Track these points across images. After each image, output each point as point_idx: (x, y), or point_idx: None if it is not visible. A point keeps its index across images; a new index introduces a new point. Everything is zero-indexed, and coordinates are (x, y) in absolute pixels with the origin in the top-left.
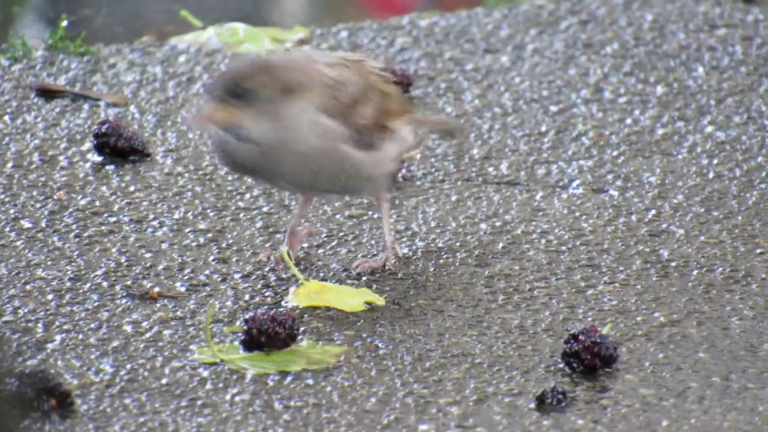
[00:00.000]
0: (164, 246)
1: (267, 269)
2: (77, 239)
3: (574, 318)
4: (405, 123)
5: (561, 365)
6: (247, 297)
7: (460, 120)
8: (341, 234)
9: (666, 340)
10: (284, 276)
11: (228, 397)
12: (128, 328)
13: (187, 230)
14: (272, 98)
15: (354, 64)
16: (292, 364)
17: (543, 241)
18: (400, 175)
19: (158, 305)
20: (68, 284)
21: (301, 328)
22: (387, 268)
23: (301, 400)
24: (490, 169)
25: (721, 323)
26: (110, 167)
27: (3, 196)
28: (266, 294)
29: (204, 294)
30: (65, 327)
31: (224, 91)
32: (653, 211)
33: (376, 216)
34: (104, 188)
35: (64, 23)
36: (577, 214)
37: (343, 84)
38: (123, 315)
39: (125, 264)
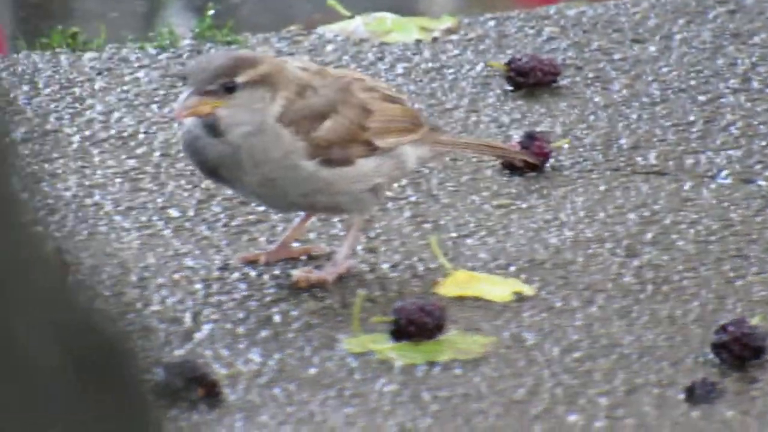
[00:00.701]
0: (312, 236)
1: (416, 258)
2: (225, 228)
3: (723, 309)
4: (409, 142)
5: (710, 356)
6: (395, 287)
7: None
8: (489, 224)
9: None
10: (432, 266)
11: (376, 387)
12: (277, 318)
13: (335, 219)
14: (256, 97)
15: (335, 76)
16: (440, 354)
17: (692, 231)
18: (548, 164)
19: (307, 295)
20: (216, 273)
21: (449, 318)
22: (328, 282)
23: (450, 390)
24: (639, 158)
25: None
26: None
27: (151, 185)
28: (414, 284)
29: (353, 284)
30: (213, 317)
31: (209, 83)
32: None
33: (521, 205)
34: None
35: (211, 12)
36: (726, 204)
37: (312, 90)
38: (271, 305)
39: None
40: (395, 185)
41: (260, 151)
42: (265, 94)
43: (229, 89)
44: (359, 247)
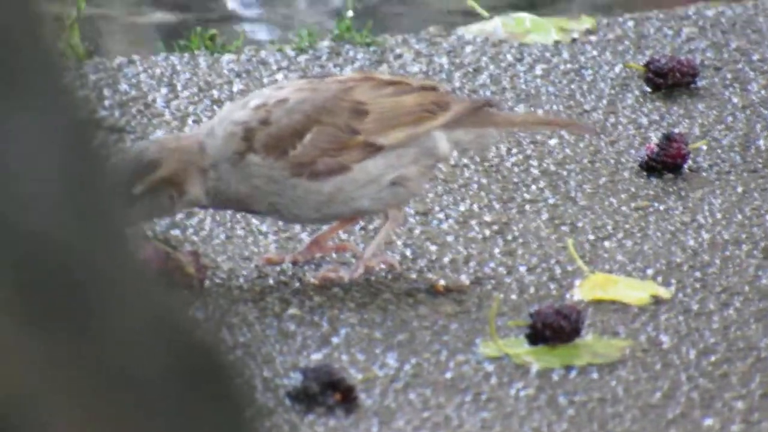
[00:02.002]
0: (449, 239)
1: (553, 261)
2: (362, 232)
3: None
4: (432, 129)
5: None
6: (532, 290)
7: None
8: (627, 226)
9: None
10: (569, 269)
11: (512, 392)
12: (414, 322)
13: (473, 222)
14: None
15: (324, 84)
16: (576, 358)
17: None
18: (685, 166)
19: (443, 298)
20: (354, 276)
21: (586, 322)
22: (347, 280)
23: (586, 394)
24: None
25: None
26: None
27: None
28: (551, 287)
29: (489, 287)
30: (351, 321)
31: None
32: None
33: (659, 207)
34: None
35: (350, 13)
36: None
37: (284, 112)
38: (408, 309)
39: (410, 257)
40: (441, 168)
41: (241, 185)
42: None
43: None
44: (496, 251)
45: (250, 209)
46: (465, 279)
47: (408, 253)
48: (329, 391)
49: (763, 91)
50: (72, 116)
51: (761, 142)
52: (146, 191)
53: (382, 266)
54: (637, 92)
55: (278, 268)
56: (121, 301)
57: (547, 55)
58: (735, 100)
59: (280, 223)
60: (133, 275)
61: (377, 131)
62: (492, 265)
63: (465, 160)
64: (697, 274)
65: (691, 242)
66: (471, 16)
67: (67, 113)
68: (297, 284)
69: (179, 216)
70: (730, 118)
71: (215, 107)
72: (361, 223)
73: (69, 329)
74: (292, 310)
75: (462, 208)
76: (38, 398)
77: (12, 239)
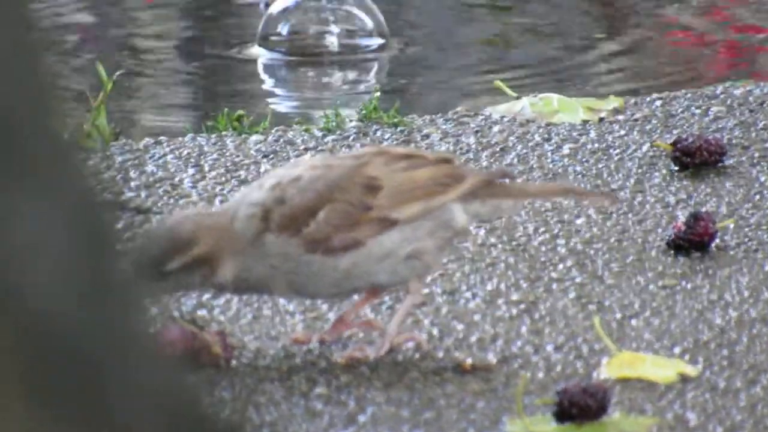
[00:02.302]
0: (477, 317)
1: (580, 340)
2: (389, 310)
3: None
4: (448, 201)
5: None
6: (558, 368)
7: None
8: (654, 304)
9: None
10: (596, 347)
11: None
12: (441, 401)
13: (500, 301)
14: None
15: (337, 160)
16: None
17: None
18: (713, 244)
19: (470, 377)
20: (380, 354)
21: (613, 400)
22: (372, 358)
23: None
24: None
25: None
26: None
27: None
28: (578, 365)
29: (516, 366)
30: (377, 399)
31: None
32: None
33: (686, 286)
34: None
35: (377, 93)
36: None
37: (296, 191)
38: (435, 387)
39: (437, 335)
40: (469, 247)
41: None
42: (204, 271)
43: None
44: (523, 329)
45: (270, 292)
46: (492, 357)
47: (435, 331)
48: None
49: None
50: (80, 197)
51: None
52: (180, 268)
53: (410, 344)
54: (664, 171)
55: (305, 348)
56: (131, 381)
57: (575, 134)
58: (762, 178)
59: (307, 302)
60: (144, 355)
61: (391, 206)
62: (519, 343)
63: (492, 239)
64: (725, 352)
65: (719, 320)
66: (499, 96)
67: (75, 195)
68: (324, 363)
69: (206, 296)
70: (757, 197)
71: (242, 188)
72: (388, 301)
73: (77, 410)
74: (319, 389)
75: (489, 287)
76: None
77: (21, 320)
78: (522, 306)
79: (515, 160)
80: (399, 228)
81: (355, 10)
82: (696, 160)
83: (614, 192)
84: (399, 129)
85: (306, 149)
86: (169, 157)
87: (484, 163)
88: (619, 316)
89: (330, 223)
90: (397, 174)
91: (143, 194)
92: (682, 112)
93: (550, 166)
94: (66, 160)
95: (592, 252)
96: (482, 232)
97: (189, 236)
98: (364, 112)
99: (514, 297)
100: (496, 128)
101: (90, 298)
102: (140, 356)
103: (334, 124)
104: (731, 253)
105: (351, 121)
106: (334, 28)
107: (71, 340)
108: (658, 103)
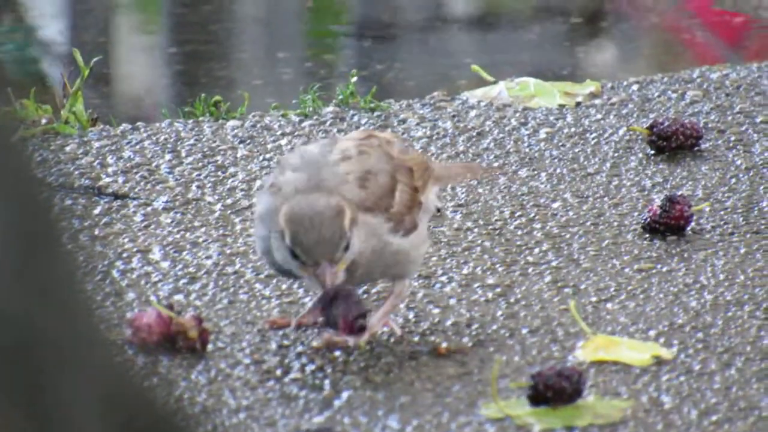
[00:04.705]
0: (452, 302)
1: (555, 323)
2: (365, 295)
3: None
4: (430, 190)
5: None
6: (534, 352)
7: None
8: (629, 288)
9: None
10: (572, 330)
11: None
12: (416, 384)
13: (476, 285)
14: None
15: (375, 148)
16: (578, 419)
17: None
18: (688, 228)
19: (446, 361)
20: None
21: (588, 383)
22: (352, 345)
23: None
24: None
25: None
26: None
27: None
28: (554, 348)
29: (491, 349)
30: (353, 383)
31: (336, 253)
32: None
33: (662, 269)
34: None
35: (354, 79)
36: None
37: (373, 174)
38: (411, 371)
39: (413, 320)
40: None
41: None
42: (355, 230)
43: (347, 247)
44: (499, 313)
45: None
46: (467, 341)
47: (411, 316)
48: None
49: (766, 153)
50: (22, 185)
51: (764, 204)
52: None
53: (385, 329)
54: (640, 155)
55: (281, 332)
56: (76, 374)
57: (552, 118)
58: (738, 162)
59: (283, 286)
60: (90, 348)
61: (421, 189)
62: (494, 327)
63: (468, 223)
64: (699, 334)
65: (694, 303)
66: (476, 81)
67: (16, 182)
68: (299, 348)
69: (183, 280)
70: (733, 180)
71: (219, 173)
72: (364, 287)
73: (17, 403)
74: (294, 374)
75: (465, 271)
76: None
77: None
78: (498, 290)
79: (492, 144)
80: (422, 212)
81: None
82: (672, 143)
83: (591, 176)
84: (376, 114)
85: (283, 134)
86: (146, 142)
87: (461, 148)
88: (594, 299)
89: (403, 201)
90: (410, 159)
91: (120, 179)
92: (659, 96)
93: (527, 150)
94: (6, 151)
95: (567, 236)
96: (459, 216)
97: (336, 208)
98: (341, 96)
99: (490, 281)
100: (473, 113)
101: (36, 288)
102: (86, 348)
103: (311, 109)
104: (707, 236)
105: (328, 106)
106: None
107: (15, 331)
108: (635, 87)
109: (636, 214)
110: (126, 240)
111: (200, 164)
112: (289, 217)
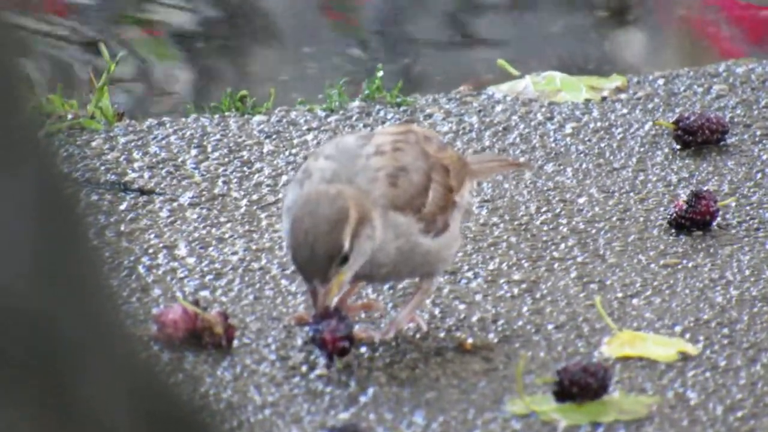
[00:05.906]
0: (478, 297)
1: (581, 319)
2: (391, 290)
3: None
4: (465, 188)
5: None
6: (559, 348)
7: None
8: (655, 283)
9: None
10: (597, 326)
11: None
12: (442, 381)
13: (501, 281)
14: (363, 240)
15: (411, 145)
16: (603, 415)
17: None
18: (714, 223)
19: (471, 357)
20: (381, 336)
21: (613, 379)
22: (377, 341)
23: None
24: None
25: None
26: None
27: None
28: (579, 344)
29: (517, 345)
30: (379, 380)
31: (327, 272)
32: None
33: (687, 264)
34: None
35: (380, 73)
36: None
37: (406, 171)
38: (436, 367)
39: (439, 315)
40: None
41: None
42: (368, 231)
43: (344, 260)
44: (524, 309)
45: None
46: (493, 337)
47: (436, 311)
48: None
49: None
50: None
51: None
52: (353, 242)
53: (410, 325)
54: (666, 150)
55: (306, 328)
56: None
57: (577, 113)
58: (764, 156)
59: None
60: (110, 343)
61: (457, 188)
62: (520, 323)
63: (494, 219)
64: (725, 330)
65: (719, 299)
66: (502, 75)
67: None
68: None
69: (209, 276)
70: (759, 175)
71: (245, 168)
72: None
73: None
74: (319, 370)
75: (491, 266)
76: None
77: None
78: (523, 285)
79: (517, 139)
80: (456, 212)
81: None
82: (698, 138)
83: (616, 171)
84: (402, 109)
85: (309, 129)
86: (172, 138)
87: (487, 143)
88: (620, 295)
89: (436, 202)
90: (447, 157)
91: (146, 175)
92: (685, 90)
93: (553, 145)
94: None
95: (593, 231)
96: (484, 211)
97: (340, 212)
98: (367, 91)
99: (516, 276)
100: (498, 107)
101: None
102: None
103: (337, 104)
104: (732, 231)
105: (354, 100)
106: None
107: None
108: (661, 81)
109: (662, 209)
110: (152, 236)
111: (226, 159)
112: (290, 228)
